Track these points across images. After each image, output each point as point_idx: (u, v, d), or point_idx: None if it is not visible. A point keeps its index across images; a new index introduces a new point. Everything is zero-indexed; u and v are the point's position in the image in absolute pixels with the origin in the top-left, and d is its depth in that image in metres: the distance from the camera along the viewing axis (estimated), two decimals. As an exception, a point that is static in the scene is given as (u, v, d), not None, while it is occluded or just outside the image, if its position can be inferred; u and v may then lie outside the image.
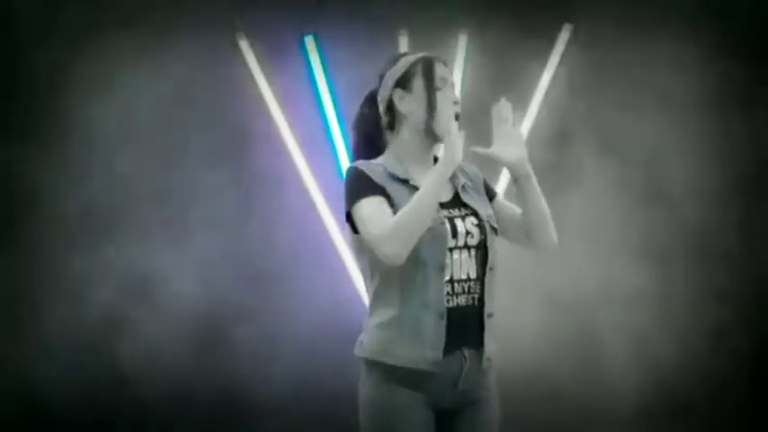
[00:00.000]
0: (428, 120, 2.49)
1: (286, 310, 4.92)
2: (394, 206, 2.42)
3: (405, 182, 2.48)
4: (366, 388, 2.46)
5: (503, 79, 4.98)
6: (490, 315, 2.46)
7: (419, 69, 2.51)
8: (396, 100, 2.53)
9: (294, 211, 4.96)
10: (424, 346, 2.39)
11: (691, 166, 5.04)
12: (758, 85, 5.03)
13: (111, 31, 4.92)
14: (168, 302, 4.90)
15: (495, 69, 4.99)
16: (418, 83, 2.51)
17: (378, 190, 2.43)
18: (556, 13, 5.02)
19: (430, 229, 2.38)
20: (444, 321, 2.40)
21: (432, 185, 2.36)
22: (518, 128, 2.50)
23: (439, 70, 2.52)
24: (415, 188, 2.44)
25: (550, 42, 5.03)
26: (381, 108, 2.57)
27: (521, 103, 5.00)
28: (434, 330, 2.39)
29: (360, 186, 2.44)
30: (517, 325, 4.85)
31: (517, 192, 2.51)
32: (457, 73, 4.94)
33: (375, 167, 2.48)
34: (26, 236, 4.91)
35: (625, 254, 5.01)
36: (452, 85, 2.55)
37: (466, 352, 2.43)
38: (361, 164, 2.49)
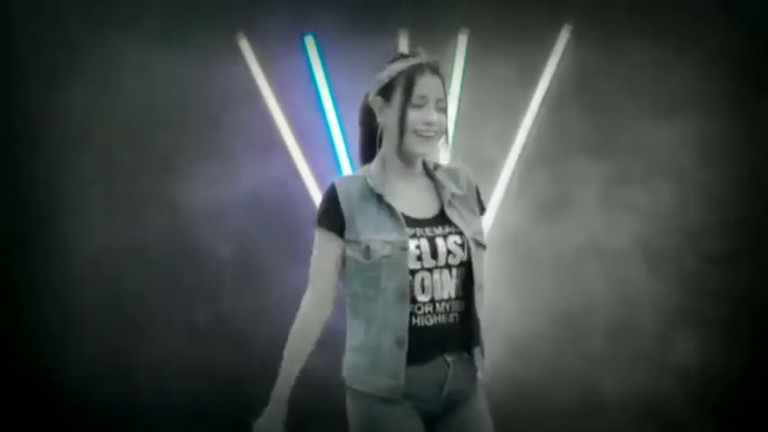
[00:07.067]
0: (398, 140, 2.42)
1: (285, 308, 4.91)
2: (356, 235, 2.37)
3: (379, 197, 2.40)
4: (351, 411, 2.44)
5: (503, 79, 4.98)
6: (485, 332, 2.44)
7: (402, 82, 2.40)
8: (375, 109, 2.46)
9: (294, 210, 4.96)
10: (381, 375, 2.36)
11: (691, 165, 5.04)
12: (759, 86, 5.03)
13: (111, 32, 4.93)
14: (166, 301, 4.92)
15: (496, 69, 5.00)
16: (397, 97, 2.41)
17: (335, 226, 2.39)
18: (556, 13, 5.02)
19: (388, 256, 2.33)
20: (404, 349, 2.34)
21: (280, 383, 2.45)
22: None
23: (420, 87, 2.40)
24: (389, 207, 2.39)
25: (550, 42, 5.03)
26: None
27: (521, 104, 5.00)
28: (391, 358, 2.34)
29: (323, 213, 2.42)
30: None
31: None
32: (457, 73, 4.94)
33: (353, 184, 2.42)
34: (31, 236, 4.93)
35: (625, 255, 5.01)
36: (438, 100, 2.42)
37: (448, 358, 2.41)
38: (342, 181, 2.44)
